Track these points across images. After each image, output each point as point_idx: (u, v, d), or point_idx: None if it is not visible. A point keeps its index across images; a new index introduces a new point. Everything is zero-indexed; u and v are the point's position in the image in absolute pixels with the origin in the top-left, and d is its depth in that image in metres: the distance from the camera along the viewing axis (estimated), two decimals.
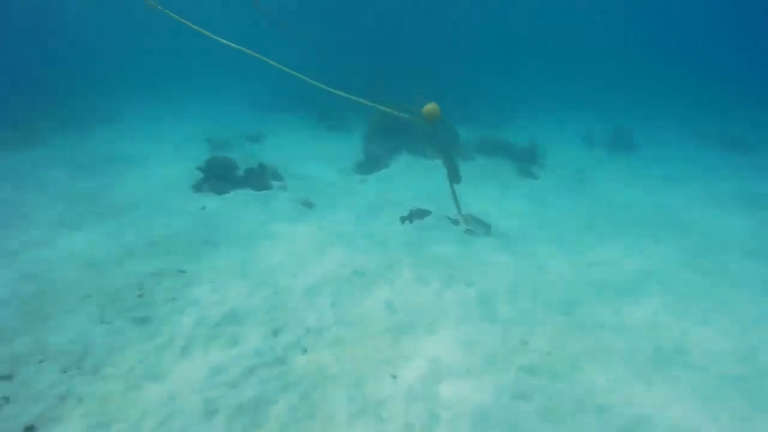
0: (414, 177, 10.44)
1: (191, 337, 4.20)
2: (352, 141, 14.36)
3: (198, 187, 8.75)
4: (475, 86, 20.40)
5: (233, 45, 5.02)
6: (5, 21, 23.86)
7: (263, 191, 8.74)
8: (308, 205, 8.17)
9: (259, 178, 9.07)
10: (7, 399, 3.28)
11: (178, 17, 4.77)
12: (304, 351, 4.08)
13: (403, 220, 7.14)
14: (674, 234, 7.39)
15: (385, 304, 4.89)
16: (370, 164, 11.44)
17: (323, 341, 4.21)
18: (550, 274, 5.77)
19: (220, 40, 5.02)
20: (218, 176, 8.91)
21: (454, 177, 7.27)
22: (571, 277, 5.72)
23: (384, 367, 3.89)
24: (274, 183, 9.19)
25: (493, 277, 5.59)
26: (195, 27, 4.87)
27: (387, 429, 3.22)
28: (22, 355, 3.81)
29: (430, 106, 6.68)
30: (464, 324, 4.59)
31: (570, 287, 5.47)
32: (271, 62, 5.08)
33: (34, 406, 3.27)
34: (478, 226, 7.30)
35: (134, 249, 5.99)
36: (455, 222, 7.48)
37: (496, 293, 5.22)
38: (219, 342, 4.17)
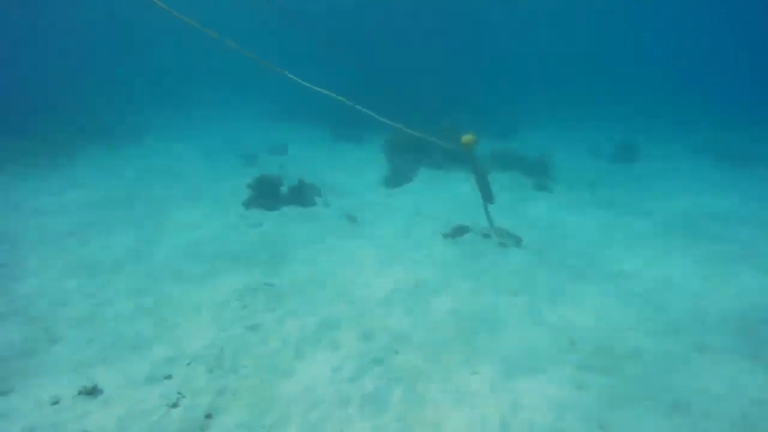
0: (439, 190, 11.31)
1: (299, 342, 5.04)
2: (370, 153, 15.26)
3: (248, 204, 9.55)
4: (483, 98, 21.32)
5: (251, 54, 5.50)
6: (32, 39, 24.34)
7: (309, 207, 9.57)
8: (353, 220, 9.01)
9: (302, 194, 9.89)
10: (181, 394, 4.11)
11: (199, 25, 5.11)
12: (396, 353, 4.94)
13: (445, 236, 8.03)
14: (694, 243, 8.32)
15: (451, 311, 5.76)
16: (395, 178, 12.31)
17: (409, 344, 5.07)
18: (582, 284, 6.67)
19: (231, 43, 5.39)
20: (266, 194, 9.72)
21: (487, 197, 8.19)
22: (601, 285, 6.63)
23: (464, 365, 4.76)
24: (317, 199, 10.02)
25: (533, 287, 6.49)
26: (213, 34, 5.20)
27: (483, 413, 4.09)
28: (170, 359, 4.63)
29: (469, 137, 7.63)
30: (520, 328, 5.48)
31: (600, 295, 6.38)
32: (302, 82, 5.72)
33: (202, 399, 4.09)
34: (509, 238, 8.19)
35: (217, 265, 6.81)
36: (487, 235, 8.36)
37: (540, 301, 6.11)
38: (323, 345, 5.01)
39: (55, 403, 3.91)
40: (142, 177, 11.31)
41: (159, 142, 15.43)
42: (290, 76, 5.67)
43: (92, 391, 4.00)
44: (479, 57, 25.54)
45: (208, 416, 3.88)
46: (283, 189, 9.87)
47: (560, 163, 13.90)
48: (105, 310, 5.46)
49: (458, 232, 8.10)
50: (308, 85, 5.71)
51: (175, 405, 3.97)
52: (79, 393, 4.00)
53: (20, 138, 13.28)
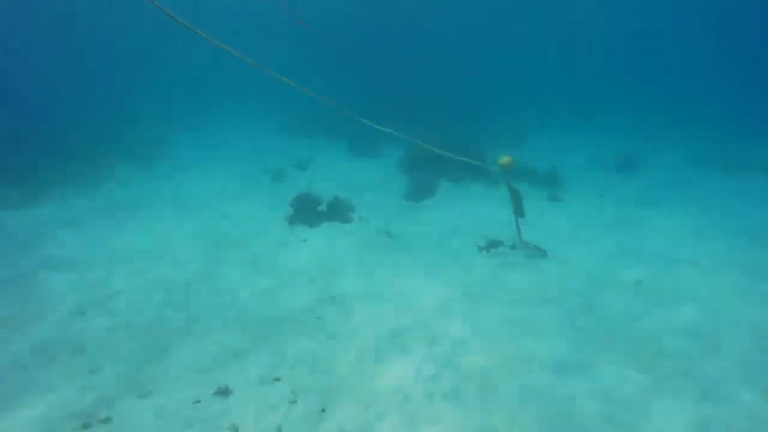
0: (462, 203, 12.12)
1: (376, 348, 5.83)
2: (387, 166, 16.02)
3: (291, 221, 10.33)
4: (490, 110, 22.22)
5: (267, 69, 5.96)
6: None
7: (347, 224, 10.36)
8: (390, 235, 9.80)
9: (339, 211, 10.69)
10: (294, 393, 4.90)
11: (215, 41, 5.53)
12: (460, 356, 5.74)
13: (480, 248, 8.86)
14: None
15: (500, 319, 6.57)
16: (418, 192, 13.10)
17: (471, 348, 5.87)
18: (607, 292, 7.50)
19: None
20: (306, 211, 10.51)
21: (519, 212, 9.03)
22: (625, 294, 7.48)
23: (522, 364, 5.57)
24: (352, 215, 10.81)
25: (565, 296, 7.31)
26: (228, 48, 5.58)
27: (548, 404, 4.90)
28: (273, 365, 5.41)
29: (506, 159, 8.49)
30: (563, 331, 6.30)
31: (627, 303, 7.22)
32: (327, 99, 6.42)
33: (313, 396, 4.88)
34: (535, 251, 9.02)
35: (281, 280, 7.58)
36: (514, 247, 9.17)
37: (574, 310, 6.92)
38: (397, 350, 5.80)
39: (197, 402, 4.68)
40: (181, 200, 12.02)
41: (183, 159, 16.16)
42: (311, 93, 6.25)
43: (225, 391, 4.78)
44: (486, 69, 26.53)
45: (323, 410, 4.66)
46: (323, 207, 10.65)
47: (568, 173, 14.70)
48: (198, 323, 6.23)
49: (491, 244, 8.92)
50: (331, 102, 6.31)
51: (294, 402, 4.75)
52: (214, 393, 4.77)
53: (55, 162, 14.06)
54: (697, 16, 33.09)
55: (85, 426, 4.37)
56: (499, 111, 22.96)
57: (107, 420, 4.48)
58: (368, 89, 19.96)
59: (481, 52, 26.08)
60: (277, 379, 5.13)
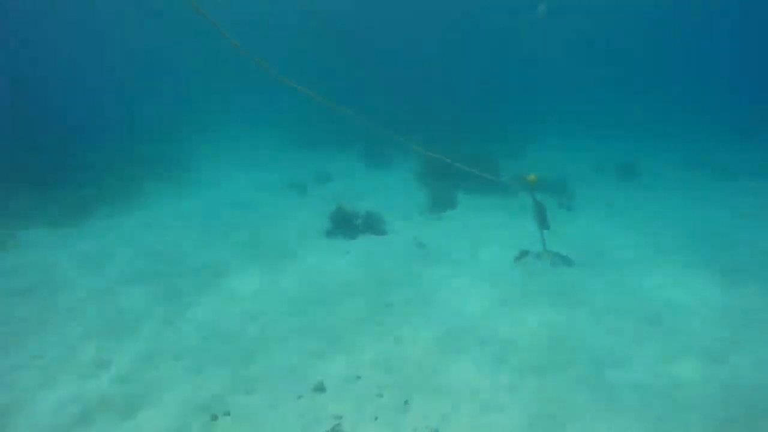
0: (483, 215, 12.89)
1: (438, 348, 6.69)
2: (406, 179, 16.76)
3: (329, 234, 11.19)
4: (495, 117, 23.15)
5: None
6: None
7: (383, 236, 11.21)
8: (422, 246, 10.65)
9: (373, 224, 11.55)
10: (379, 387, 5.74)
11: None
12: (511, 353, 6.61)
13: (517, 259, 9.74)
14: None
15: (540, 323, 7.42)
16: (439, 204, 13.89)
17: (519, 348, 6.74)
18: (630, 298, 8.40)
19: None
20: (343, 224, 11.37)
21: (544, 225, 9.94)
22: (642, 299, 8.38)
23: (568, 364, 6.44)
24: (384, 227, 11.66)
25: (592, 301, 8.20)
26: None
27: (590, 393, 5.78)
28: (352, 366, 6.25)
29: (533, 176, 9.43)
30: (597, 331, 7.18)
31: (644, 303, 8.12)
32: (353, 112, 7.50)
33: (394, 391, 5.72)
34: (559, 259, 9.92)
35: (340, 289, 8.41)
36: (539, 256, 10.06)
37: (600, 313, 7.80)
38: (454, 350, 6.65)
39: (300, 397, 5.52)
40: (216, 210, 12.83)
41: (209, 176, 16.91)
42: (328, 102, 7.03)
43: (321, 388, 5.62)
44: (487, 79, 27.50)
45: (407, 402, 5.51)
46: (358, 221, 11.50)
47: (572, 181, 15.50)
48: (274, 328, 7.07)
49: (521, 254, 9.82)
50: (349, 112, 7.06)
51: (380, 395, 5.60)
52: (313, 390, 5.62)
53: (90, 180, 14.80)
54: (697, 22, 34.23)
55: (213, 418, 5.20)
56: (501, 119, 23.86)
57: (227, 413, 5.30)
58: (377, 97, 20.84)
59: (483, 60, 27.03)
60: (359, 378, 5.97)
